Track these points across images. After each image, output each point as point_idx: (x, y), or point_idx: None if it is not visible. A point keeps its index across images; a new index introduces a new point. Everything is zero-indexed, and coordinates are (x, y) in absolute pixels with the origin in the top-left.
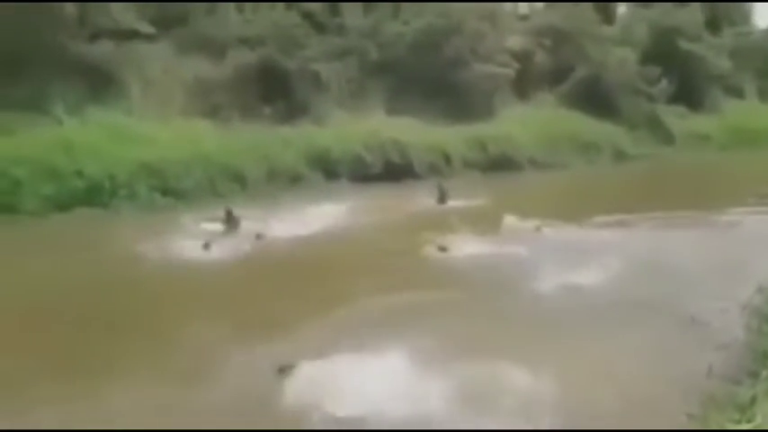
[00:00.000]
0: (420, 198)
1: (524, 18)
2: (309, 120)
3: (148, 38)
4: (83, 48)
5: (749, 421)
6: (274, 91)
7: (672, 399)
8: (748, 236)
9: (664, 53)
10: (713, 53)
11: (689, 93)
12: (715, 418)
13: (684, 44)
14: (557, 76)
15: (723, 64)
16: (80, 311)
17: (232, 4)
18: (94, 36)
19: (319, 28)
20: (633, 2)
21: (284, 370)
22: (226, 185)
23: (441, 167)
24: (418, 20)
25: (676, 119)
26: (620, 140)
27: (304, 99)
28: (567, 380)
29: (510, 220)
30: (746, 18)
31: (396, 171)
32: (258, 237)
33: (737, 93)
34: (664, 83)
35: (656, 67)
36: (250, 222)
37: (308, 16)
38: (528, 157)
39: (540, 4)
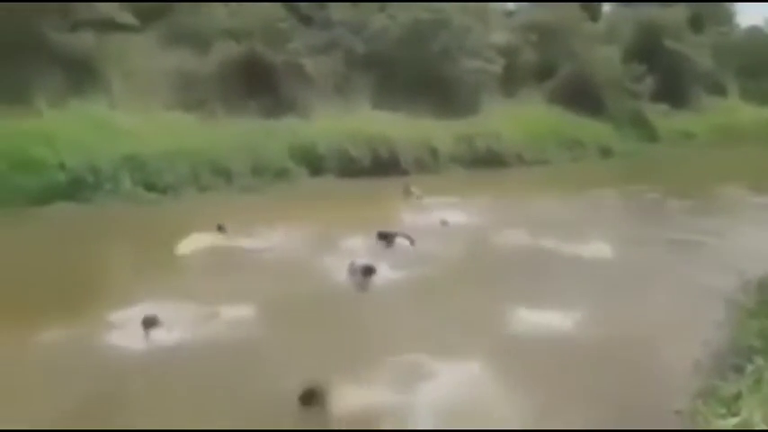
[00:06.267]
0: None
1: (511, 14)
2: (295, 114)
3: (131, 29)
4: (64, 38)
5: (735, 415)
6: (260, 84)
7: None
8: None
9: (648, 51)
10: (696, 51)
11: (672, 90)
12: (701, 412)
13: (668, 42)
14: (543, 73)
15: (706, 62)
16: None
17: None
18: (76, 26)
19: (305, 21)
20: (620, 1)
21: None
22: (210, 179)
23: (427, 162)
24: (405, 14)
25: (660, 116)
26: (605, 137)
27: (290, 93)
28: None
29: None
30: (729, 17)
31: (382, 166)
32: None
33: (720, 91)
34: (648, 80)
35: (641, 65)
36: None
37: (293, 9)
38: (514, 154)
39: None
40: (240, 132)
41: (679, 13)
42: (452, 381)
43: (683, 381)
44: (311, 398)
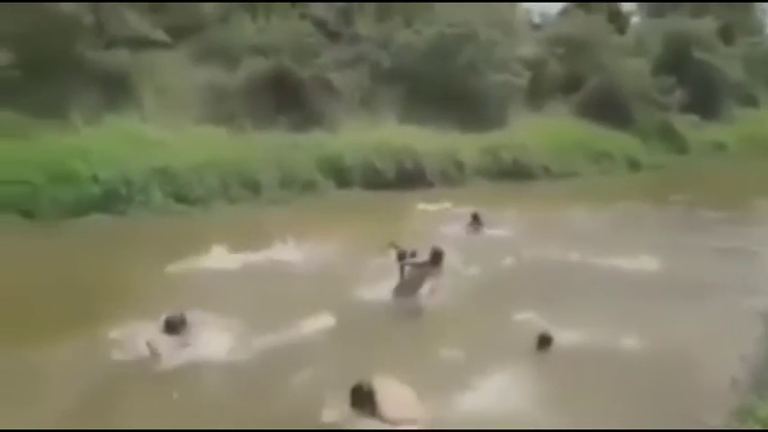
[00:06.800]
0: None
1: (537, 27)
2: (322, 127)
3: (164, 46)
4: (99, 56)
5: None
6: (287, 99)
7: None
8: None
9: (677, 62)
10: (727, 62)
11: (703, 102)
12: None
13: (698, 53)
14: (570, 86)
15: (737, 73)
16: None
17: (246, 13)
18: (111, 44)
19: (332, 37)
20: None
21: None
22: (239, 192)
23: (453, 175)
24: (430, 29)
25: (690, 128)
26: (633, 150)
27: (317, 107)
28: None
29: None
30: (760, 28)
31: (408, 178)
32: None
33: (751, 101)
34: (678, 92)
35: (670, 77)
36: None
37: (321, 25)
38: (541, 166)
39: (554, 13)
40: (269, 145)
41: (709, 24)
42: (495, 394)
43: (721, 398)
44: (360, 395)
